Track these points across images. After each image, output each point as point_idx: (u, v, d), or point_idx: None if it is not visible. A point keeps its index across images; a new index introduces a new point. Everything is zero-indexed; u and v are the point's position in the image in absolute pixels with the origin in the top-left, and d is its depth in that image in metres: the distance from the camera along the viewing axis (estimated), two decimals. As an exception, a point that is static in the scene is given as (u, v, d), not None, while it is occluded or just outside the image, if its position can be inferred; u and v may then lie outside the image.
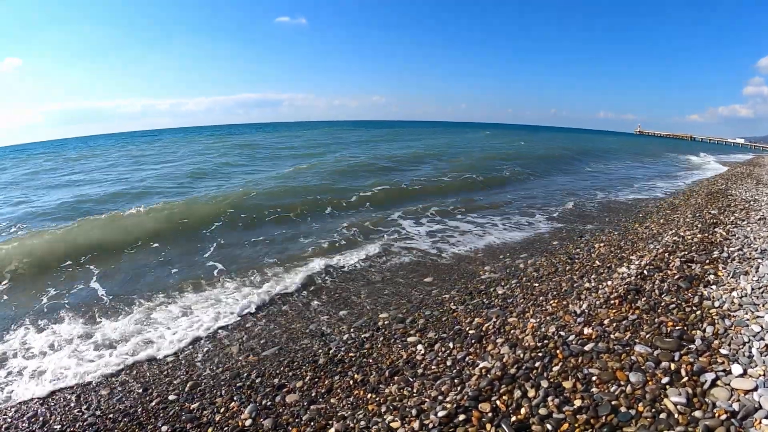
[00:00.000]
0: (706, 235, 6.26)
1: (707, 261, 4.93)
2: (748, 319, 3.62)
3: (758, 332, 3.40)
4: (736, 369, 2.90)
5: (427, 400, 3.10)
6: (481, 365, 3.41)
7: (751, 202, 9.35)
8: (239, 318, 4.98)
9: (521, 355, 3.41)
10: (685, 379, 2.84)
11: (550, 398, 2.82)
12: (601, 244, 6.70)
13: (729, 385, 2.76)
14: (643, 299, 4.02)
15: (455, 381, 3.27)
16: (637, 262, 5.20)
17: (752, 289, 4.14)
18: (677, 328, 3.51)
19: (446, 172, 15.97)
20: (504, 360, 3.40)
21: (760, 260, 4.89)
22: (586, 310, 3.97)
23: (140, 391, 3.74)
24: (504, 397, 2.92)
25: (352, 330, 4.62)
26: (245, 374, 3.92)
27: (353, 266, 6.47)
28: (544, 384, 2.97)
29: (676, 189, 14.09)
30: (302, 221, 9.49)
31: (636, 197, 12.30)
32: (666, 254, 5.26)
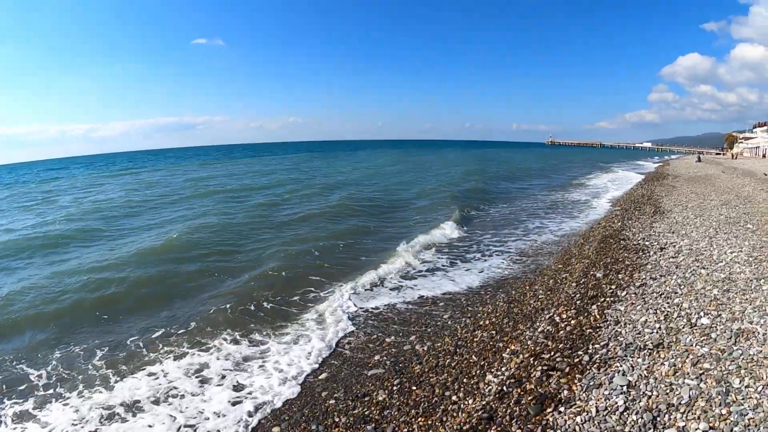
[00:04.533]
0: (581, 318, 6.57)
1: (567, 368, 5.25)
2: (582, 455, 3.91)
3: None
4: None
5: None
6: None
7: (640, 253, 9.94)
8: None
9: None
10: None
11: None
12: (487, 323, 7.17)
13: None
14: (492, 429, 4.37)
15: None
16: (501, 371, 5.59)
17: (597, 410, 4.31)
18: (516, 467, 3.85)
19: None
20: None
21: (618, 365, 5.08)
22: (441, 445, 4.27)
23: None
24: None
25: None
26: None
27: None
28: None
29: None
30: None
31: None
32: (531, 359, 5.69)
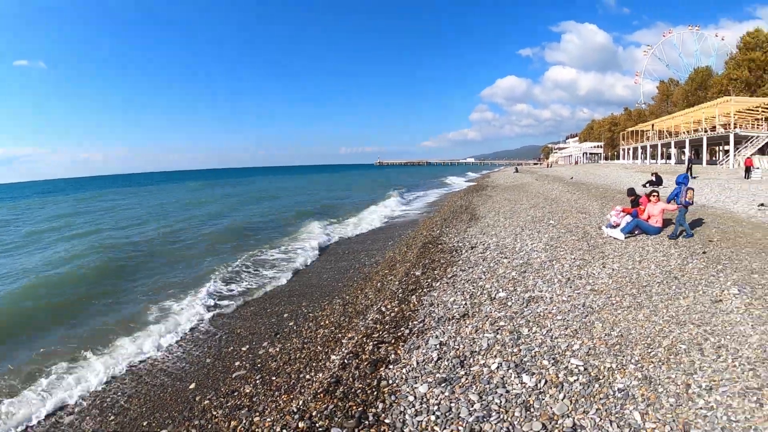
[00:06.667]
0: (402, 306, 8.28)
1: (393, 340, 6.84)
2: (408, 392, 5.03)
3: (412, 401, 4.85)
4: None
5: None
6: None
7: (454, 253, 11.84)
8: None
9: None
10: (355, 454, 4.60)
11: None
12: (327, 322, 8.71)
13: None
14: (340, 388, 5.83)
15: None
16: (342, 351, 7.14)
17: (417, 363, 5.61)
18: (359, 409, 5.30)
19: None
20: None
21: (432, 332, 6.51)
22: (302, 407, 5.56)
23: None
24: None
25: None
26: None
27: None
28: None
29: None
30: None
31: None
32: (364, 338, 7.34)
